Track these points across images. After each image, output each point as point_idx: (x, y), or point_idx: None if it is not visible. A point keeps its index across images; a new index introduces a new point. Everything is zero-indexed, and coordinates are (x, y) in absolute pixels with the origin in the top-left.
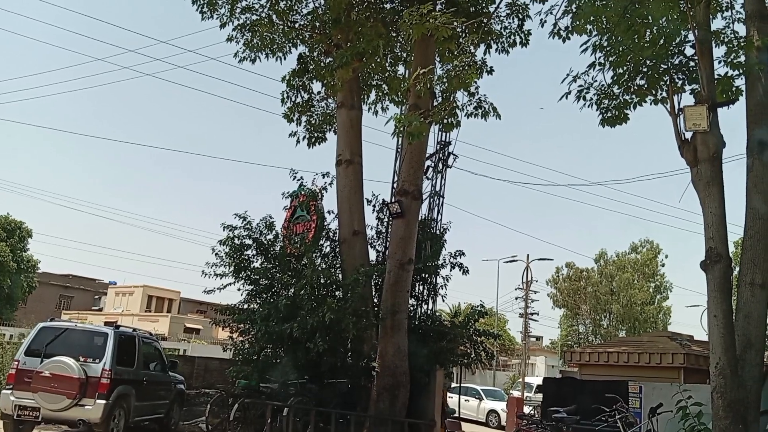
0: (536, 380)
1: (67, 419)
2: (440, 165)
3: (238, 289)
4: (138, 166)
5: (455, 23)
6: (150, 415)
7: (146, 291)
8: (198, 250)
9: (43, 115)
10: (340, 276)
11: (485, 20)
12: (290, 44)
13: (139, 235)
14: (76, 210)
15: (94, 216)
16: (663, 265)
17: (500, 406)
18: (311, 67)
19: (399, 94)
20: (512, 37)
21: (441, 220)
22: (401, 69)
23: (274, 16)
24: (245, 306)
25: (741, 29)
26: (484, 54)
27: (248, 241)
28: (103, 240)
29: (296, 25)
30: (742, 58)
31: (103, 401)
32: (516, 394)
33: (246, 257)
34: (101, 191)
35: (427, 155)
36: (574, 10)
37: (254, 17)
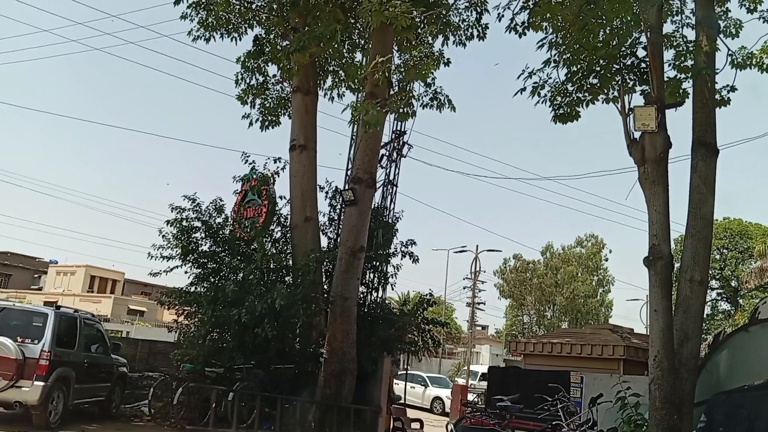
0: (481, 368)
1: (2, 401)
2: (395, 154)
3: (186, 272)
4: (83, 142)
5: (414, 13)
6: (90, 398)
7: (89, 271)
8: (144, 231)
9: None
10: (291, 262)
11: (444, 12)
12: (246, 25)
13: (82, 213)
14: (16, 185)
15: (35, 192)
16: (606, 260)
17: (445, 393)
18: (267, 49)
19: (356, 81)
20: (470, 30)
21: (393, 208)
22: (359, 56)
23: None
24: (192, 289)
25: (689, 34)
26: (442, 45)
27: (197, 224)
28: (44, 217)
29: (253, 6)
30: (690, 62)
31: (42, 383)
32: (461, 381)
33: (194, 240)
34: (43, 166)
35: (382, 144)
36: (531, 6)
37: None
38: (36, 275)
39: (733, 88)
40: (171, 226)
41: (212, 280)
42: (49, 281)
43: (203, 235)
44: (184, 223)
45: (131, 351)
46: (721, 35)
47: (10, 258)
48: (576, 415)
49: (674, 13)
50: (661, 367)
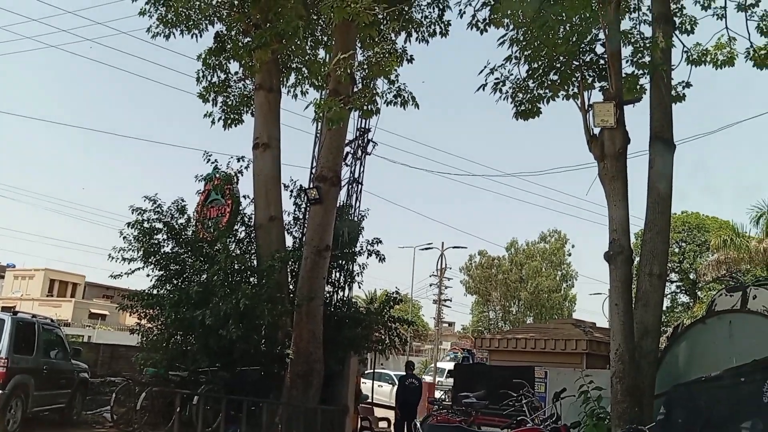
0: (447, 365)
1: None
2: (359, 152)
3: (148, 275)
4: (40, 142)
5: (377, 9)
6: (50, 405)
7: (48, 274)
8: (105, 233)
9: None
10: (255, 262)
11: (406, 8)
12: (207, 21)
13: (40, 215)
14: None
15: None
16: (570, 255)
17: None
18: (229, 46)
19: (319, 78)
20: (432, 26)
21: (359, 207)
22: (322, 53)
23: None
24: (155, 291)
25: (646, 30)
26: (405, 42)
27: (158, 225)
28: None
29: (213, 2)
30: (647, 59)
31: None
32: (428, 379)
33: (156, 241)
34: None
35: (347, 142)
36: (492, 3)
37: None
38: None
39: (688, 84)
40: (132, 227)
41: (175, 281)
42: (6, 286)
43: (165, 236)
44: (145, 224)
45: (92, 356)
46: (677, 32)
47: None
48: (540, 410)
49: (632, 10)
50: (622, 361)
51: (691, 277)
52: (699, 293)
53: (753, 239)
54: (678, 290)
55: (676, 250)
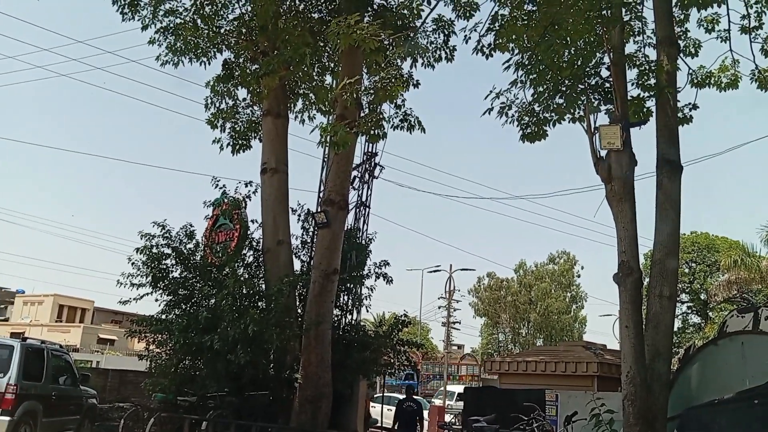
0: (457, 388)
1: None
2: (367, 175)
3: (156, 300)
4: (50, 170)
5: (382, 35)
6: None
7: (57, 300)
8: (114, 258)
9: None
10: (264, 286)
11: (412, 34)
12: (215, 49)
13: (50, 242)
14: None
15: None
16: (579, 276)
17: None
18: (237, 73)
19: (326, 103)
20: (438, 52)
21: (367, 230)
22: (329, 79)
23: (198, 21)
24: (163, 316)
25: (651, 53)
26: (411, 68)
27: (167, 250)
28: (9, 246)
29: (222, 31)
30: (652, 81)
31: (8, 418)
32: (437, 402)
33: (164, 266)
34: (8, 195)
35: (354, 166)
36: (497, 28)
37: (178, 20)
38: (2, 305)
39: (694, 106)
40: (140, 253)
41: (184, 306)
42: (16, 312)
43: (174, 261)
44: (154, 249)
45: (101, 381)
46: (681, 55)
47: None
48: None
49: (636, 33)
50: (633, 383)
51: (702, 297)
52: (710, 314)
53: (764, 259)
54: (689, 311)
55: (687, 270)
